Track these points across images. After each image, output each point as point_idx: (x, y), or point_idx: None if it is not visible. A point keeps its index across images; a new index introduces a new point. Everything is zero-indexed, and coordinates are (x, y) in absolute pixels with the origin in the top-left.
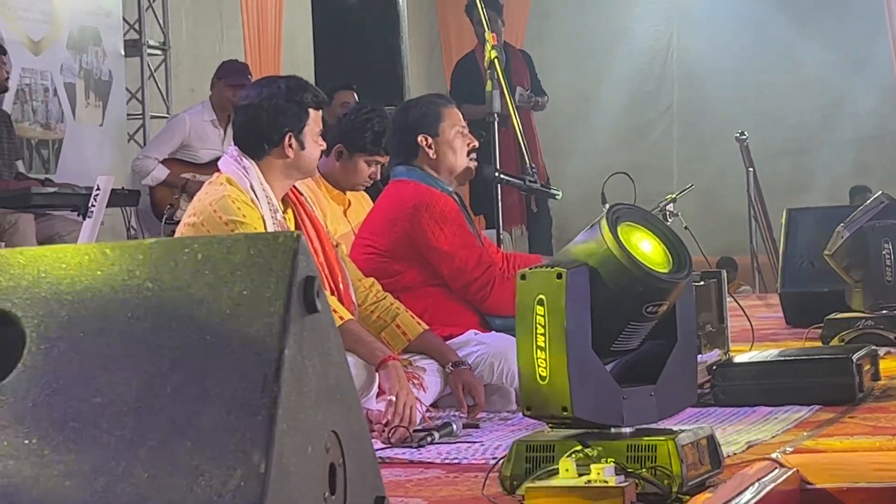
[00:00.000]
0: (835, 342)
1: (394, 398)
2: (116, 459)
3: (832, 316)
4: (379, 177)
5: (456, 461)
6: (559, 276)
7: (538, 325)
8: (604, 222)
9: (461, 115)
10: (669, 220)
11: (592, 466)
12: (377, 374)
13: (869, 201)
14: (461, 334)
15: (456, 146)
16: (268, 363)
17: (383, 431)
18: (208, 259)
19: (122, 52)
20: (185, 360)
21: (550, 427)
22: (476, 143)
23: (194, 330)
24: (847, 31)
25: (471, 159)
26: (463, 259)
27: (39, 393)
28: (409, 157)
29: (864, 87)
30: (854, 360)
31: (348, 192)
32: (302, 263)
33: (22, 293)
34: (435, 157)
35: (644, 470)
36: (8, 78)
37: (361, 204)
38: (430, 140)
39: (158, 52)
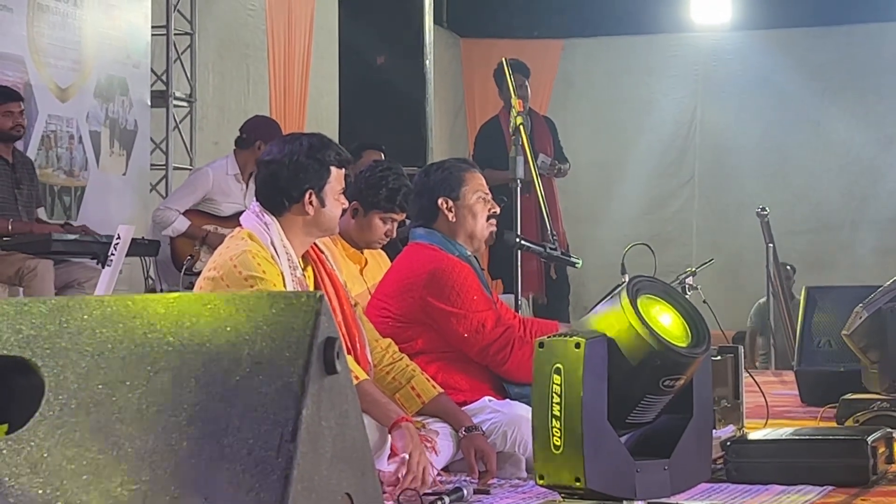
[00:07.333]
0: (849, 423)
1: (407, 456)
2: None
3: (848, 396)
4: (395, 234)
5: None
6: (577, 345)
7: (554, 394)
8: (624, 294)
9: (484, 181)
10: (688, 293)
11: None
12: (389, 436)
13: (889, 283)
14: (475, 401)
15: (476, 211)
16: (285, 423)
17: (394, 493)
18: (230, 316)
19: (149, 103)
20: (203, 417)
21: (562, 497)
22: (497, 210)
23: (213, 386)
24: (876, 109)
25: (490, 224)
26: (480, 321)
27: (55, 443)
28: (428, 220)
29: (891, 168)
30: (868, 442)
31: (365, 251)
32: (323, 324)
33: (43, 343)
34: (454, 220)
35: None
36: (20, 125)
37: (378, 263)
38: (450, 203)
39: (184, 104)
